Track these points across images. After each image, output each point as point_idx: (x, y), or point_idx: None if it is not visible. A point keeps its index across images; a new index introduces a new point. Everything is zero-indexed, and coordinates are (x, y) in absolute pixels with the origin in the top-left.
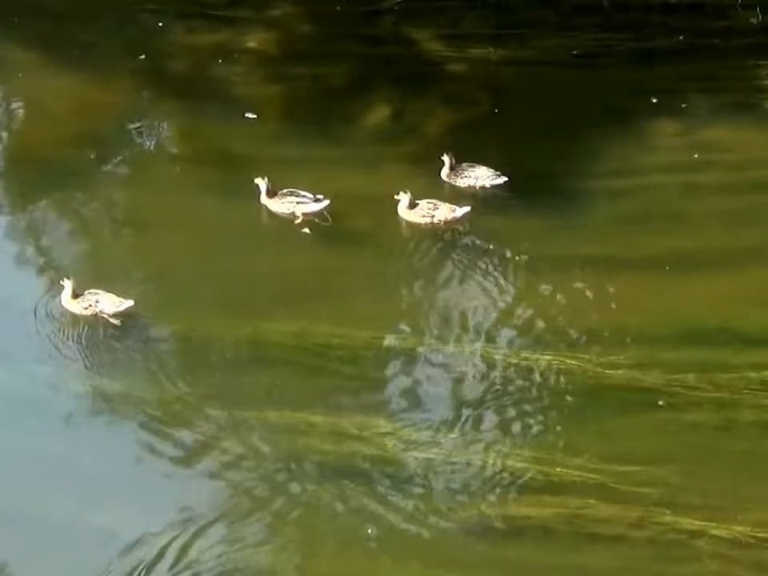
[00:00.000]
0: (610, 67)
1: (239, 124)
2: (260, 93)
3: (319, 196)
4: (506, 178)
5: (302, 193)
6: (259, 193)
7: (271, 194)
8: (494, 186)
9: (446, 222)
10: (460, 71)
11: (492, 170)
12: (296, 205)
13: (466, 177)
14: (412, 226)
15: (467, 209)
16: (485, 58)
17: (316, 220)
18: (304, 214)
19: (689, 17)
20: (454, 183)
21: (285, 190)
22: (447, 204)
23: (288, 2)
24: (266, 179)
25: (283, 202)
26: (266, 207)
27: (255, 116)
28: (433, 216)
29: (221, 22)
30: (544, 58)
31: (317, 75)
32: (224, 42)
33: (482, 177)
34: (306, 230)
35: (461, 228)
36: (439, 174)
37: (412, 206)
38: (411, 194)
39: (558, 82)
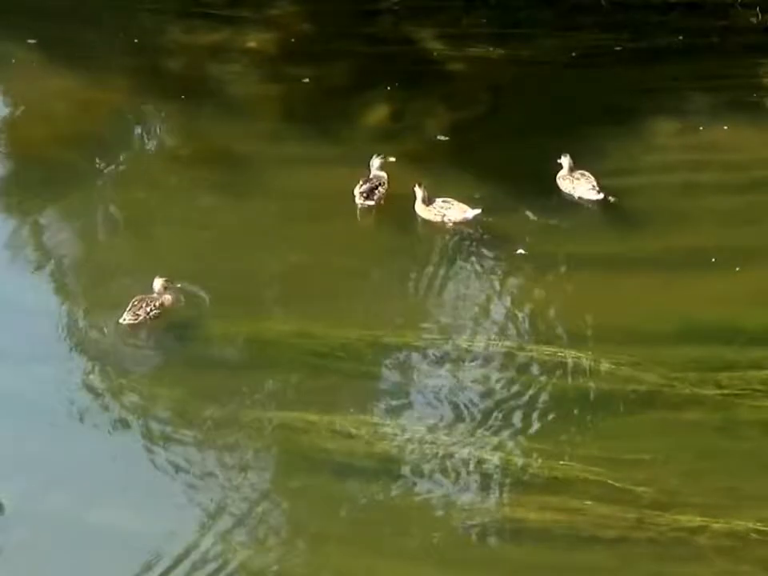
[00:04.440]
0: (609, 67)
1: (239, 124)
2: (260, 93)
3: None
4: (478, 211)
5: (372, 186)
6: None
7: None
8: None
9: (455, 223)
10: (460, 70)
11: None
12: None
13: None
14: (426, 222)
15: (478, 211)
16: (485, 57)
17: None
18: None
19: (688, 16)
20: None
21: (371, 176)
22: (460, 204)
23: (288, 2)
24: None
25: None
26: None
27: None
28: (444, 215)
29: (221, 22)
30: (544, 58)
31: (317, 75)
32: (224, 41)
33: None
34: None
35: (463, 227)
36: (440, 173)
37: (428, 202)
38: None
39: (558, 82)
